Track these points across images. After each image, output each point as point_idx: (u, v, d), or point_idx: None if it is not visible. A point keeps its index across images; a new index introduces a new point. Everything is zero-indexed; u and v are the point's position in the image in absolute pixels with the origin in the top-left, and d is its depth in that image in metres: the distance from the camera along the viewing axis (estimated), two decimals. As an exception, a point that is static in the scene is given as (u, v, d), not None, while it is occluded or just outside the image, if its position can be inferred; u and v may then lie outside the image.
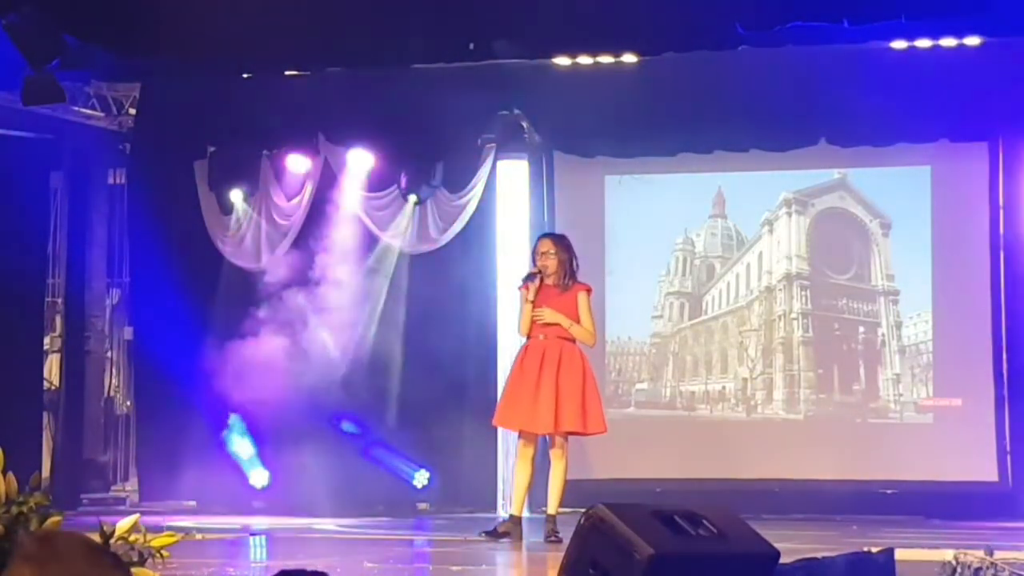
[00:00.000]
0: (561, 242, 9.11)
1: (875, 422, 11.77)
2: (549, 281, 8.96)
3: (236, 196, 12.53)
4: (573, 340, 8.94)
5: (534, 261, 9.08)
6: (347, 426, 12.03)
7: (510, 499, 9.88)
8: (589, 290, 9.03)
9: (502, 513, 11.09)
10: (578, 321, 8.92)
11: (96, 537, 4.46)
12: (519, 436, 9.13)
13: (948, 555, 5.74)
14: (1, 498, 4.40)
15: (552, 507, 8.96)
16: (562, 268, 8.96)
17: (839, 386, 11.89)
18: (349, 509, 11.31)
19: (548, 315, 8.89)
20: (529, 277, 9.03)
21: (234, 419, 12.02)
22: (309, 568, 3.35)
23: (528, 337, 8.99)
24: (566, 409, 8.79)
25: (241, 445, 12.09)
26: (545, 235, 9.48)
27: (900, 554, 5.85)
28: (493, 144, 12.21)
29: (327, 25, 10.09)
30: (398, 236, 12.32)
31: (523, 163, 12.40)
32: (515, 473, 9.24)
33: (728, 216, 12.22)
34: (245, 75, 11.77)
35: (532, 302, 8.92)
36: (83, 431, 12.68)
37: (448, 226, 12.22)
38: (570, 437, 8.99)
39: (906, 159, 11.78)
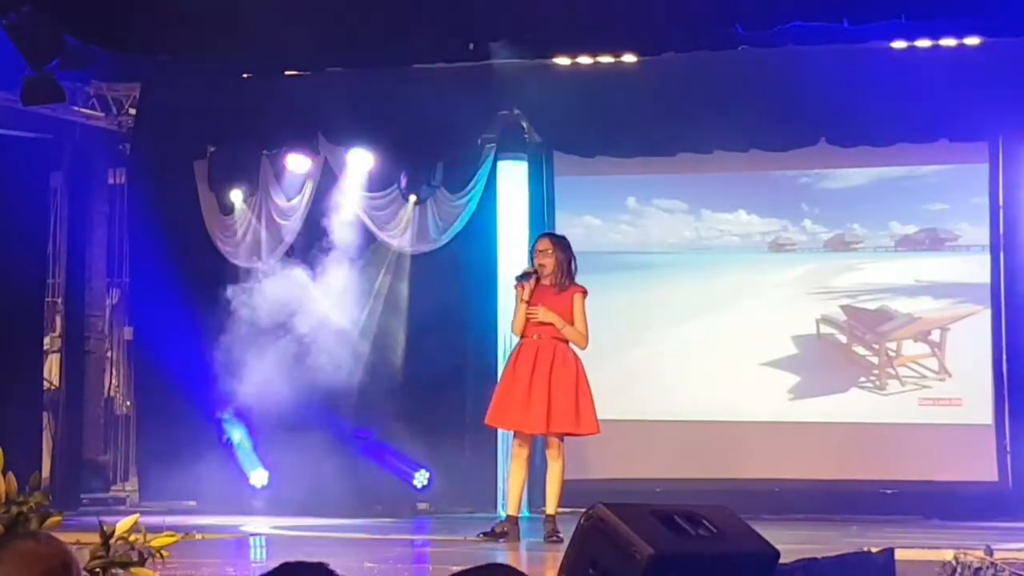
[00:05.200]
0: (560, 242, 9.07)
1: (875, 422, 11.75)
2: (546, 281, 8.94)
3: (236, 196, 12.53)
4: (567, 341, 8.92)
5: (532, 260, 9.07)
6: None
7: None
8: (585, 292, 8.98)
9: (502, 513, 11.09)
10: (572, 322, 8.90)
11: (96, 537, 4.47)
12: (514, 436, 9.14)
13: (948, 555, 5.75)
14: (1, 498, 4.40)
15: (551, 507, 8.95)
16: (559, 268, 8.91)
17: (839, 386, 11.87)
18: (349, 509, 11.30)
19: (542, 314, 8.85)
20: (524, 276, 9.01)
21: (229, 416, 12.04)
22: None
23: (522, 336, 8.98)
24: (558, 409, 8.77)
25: (241, 445, 12.10)
26: (544, 234, 9.46)
27: (900, 554, 5.84)
28: (493, 144, 12.21)
29: (327, 25, 10.09)
30: (398, 236, 12.32)
31: (523, 163, 12.40)
32: (510, 473, 9.25)
33: (730, 215, 12.23)
34: (245, 75, 11.78)
35: (527, 301, 8.90)
36: (83, 431, 12.67)
37: (448, 226, 12.22)
38: (566, 438, 8.97)
39: (906, 159, 11.77)
